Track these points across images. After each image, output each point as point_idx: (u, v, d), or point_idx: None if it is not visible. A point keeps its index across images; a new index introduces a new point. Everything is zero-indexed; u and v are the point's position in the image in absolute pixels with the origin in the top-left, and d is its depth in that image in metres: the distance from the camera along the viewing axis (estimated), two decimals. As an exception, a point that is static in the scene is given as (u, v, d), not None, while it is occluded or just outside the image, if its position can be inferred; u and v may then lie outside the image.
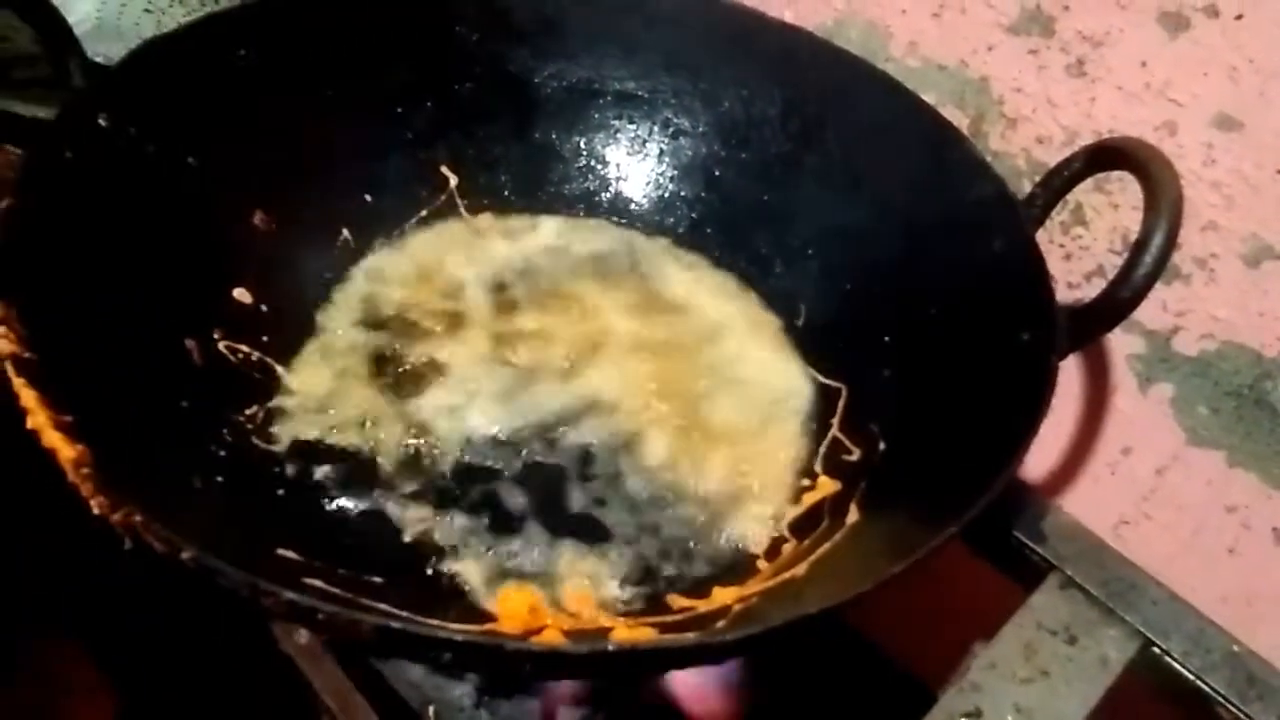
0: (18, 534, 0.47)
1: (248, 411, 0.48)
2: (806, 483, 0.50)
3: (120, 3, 0.63)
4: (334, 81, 0.56)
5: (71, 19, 0.52)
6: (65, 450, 0.33)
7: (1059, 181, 0.48)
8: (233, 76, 0.52)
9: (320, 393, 0.51)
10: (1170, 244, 0.40)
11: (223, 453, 0.45)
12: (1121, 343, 0.56)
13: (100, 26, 0.63)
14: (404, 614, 0.39)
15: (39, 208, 0.41)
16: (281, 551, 0.41)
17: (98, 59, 0.59)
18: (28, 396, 0.34)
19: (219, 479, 0.43)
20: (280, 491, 0.46)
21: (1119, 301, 0.42)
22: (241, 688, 0.51)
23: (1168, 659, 0.49)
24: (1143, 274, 0.41)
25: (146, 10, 0.64)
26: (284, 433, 0.49)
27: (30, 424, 0.33)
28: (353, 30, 0.56)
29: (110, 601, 0.49)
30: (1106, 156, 0.46)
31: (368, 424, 0.50)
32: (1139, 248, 0.41)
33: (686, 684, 0.53)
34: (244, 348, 0.50)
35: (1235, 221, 0.50)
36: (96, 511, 0.32)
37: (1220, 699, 0.48)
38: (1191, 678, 0.48)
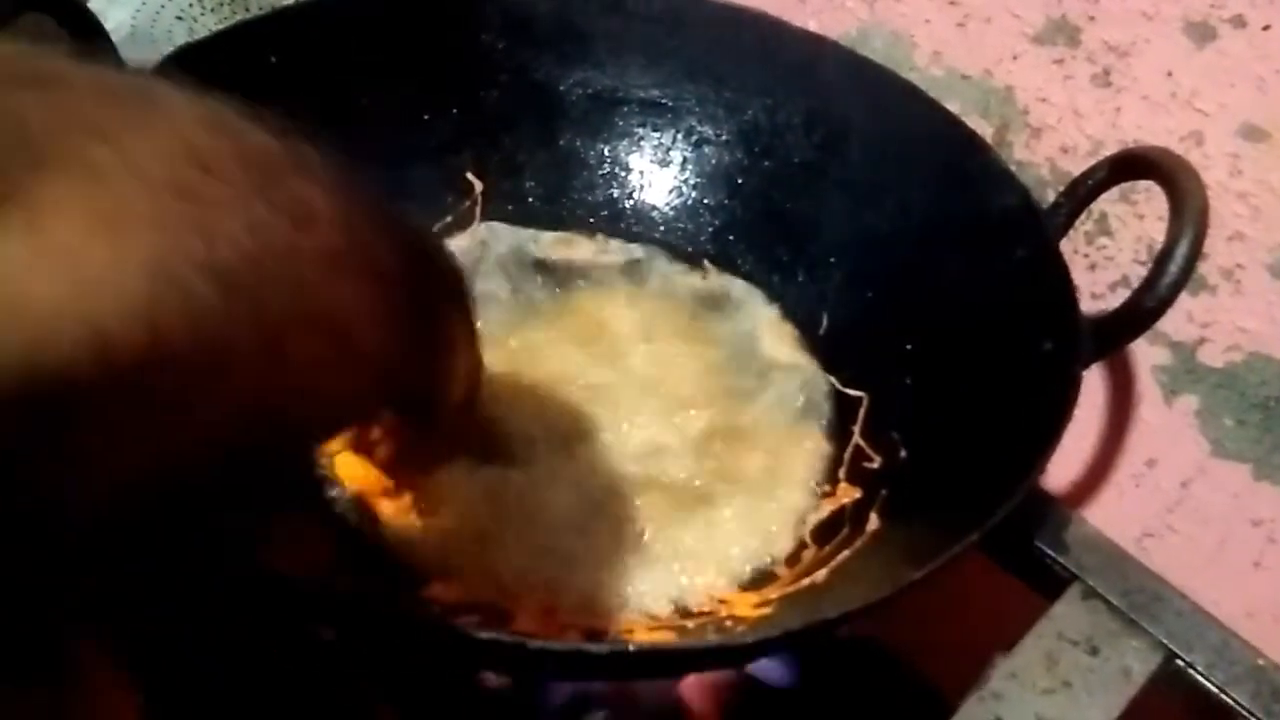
0: (43, 535, 0.48)
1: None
2: (827, 489, 0.51)
3: (154, 11, 0.64)
4: (361, 89, 0.57)
5: (107, 26, 0.53)
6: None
7: (1084, 191, 0.48)
8: (262, 83, 0.52)
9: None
10: (1195, 254, 0.40)
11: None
12: (1146, 354, 0.56)
13: (134, 33, 0.64)
14: (426, 613, 0.39)
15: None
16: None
17: (132, 65, 0.60)
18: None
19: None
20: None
21: (1143, 311, 0.42)
22: (264, 687, 0.52)
23: (1191, 672, 0.48)
24: (1168, 284, 0.41)
25: (179, 18, 0.65)
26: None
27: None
28: (380, 38, 0.57)
29: (137, 605, 0.50)
30: (1132, 166, 0.46)
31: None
32: (1164, 257, 0.41)
33: (704, 689, 0.53)
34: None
35: (1262, 232, 0.49)
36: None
37: (1244, 713, 0.47)
38: (1215, 691, 0.48)
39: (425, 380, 0.29)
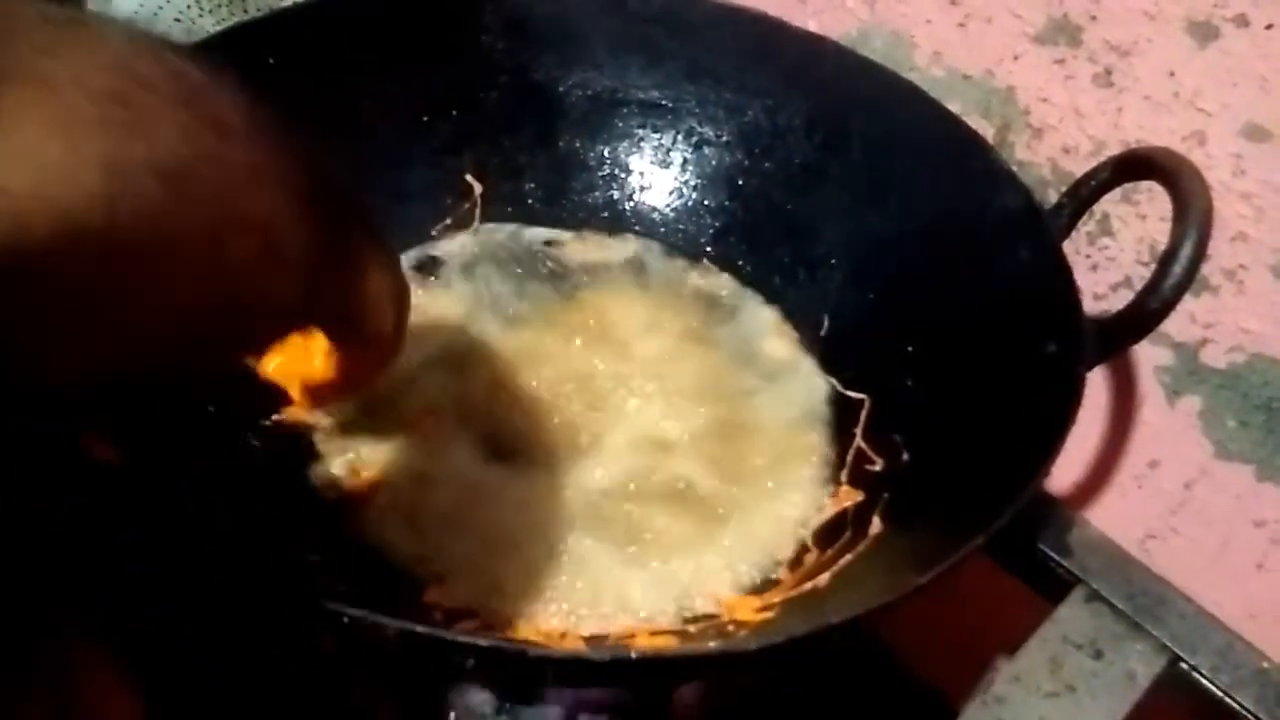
0: (42, 532, 0.48)
1: (275, 417, 0.49)
2: (829, 492, 0.50)
3: (152, 12, 0.64)
4: (360, 90, 0.56)
5: (105, 28, 0.53)
6: (101, 454, 0.33)
7: (1086, 191, 0.48)
8: (261, 85, 0.52)
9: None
10: (1200, 254, 0.40)
11: (247, 453, 0.45)
12: (1149, 355, 0.55)
13: (132, 36, 0.64)
14: (427, 621, 0.39)
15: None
16: (307, 555, 0.41)
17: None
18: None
19: (245, 484, 0.43)
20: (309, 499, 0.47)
21: (1147, 312, 0.41)
22: (266, 689, 0.51)
23: (1195, 675, 0.48)
24: (1171, 285, 0.40)
25: (177, 20, 0.65)
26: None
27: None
28: (378, 39, 0.57)
29: (137, 605, 0.49)
30: (1135, 166, 0.46)
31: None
32: (1168, 258, 0.40)
33: (705, 693, 0.53)
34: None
35: (1265, 233, 0.49)
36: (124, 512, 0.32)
37: (1249, 716, 0.47)
38: (1219, 694, 0.48)
39: (343, 292, 0.33)
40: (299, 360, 0.40)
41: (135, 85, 0.22)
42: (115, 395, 0.27)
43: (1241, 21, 0.46)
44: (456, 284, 0.58)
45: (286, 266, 0.27)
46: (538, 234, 0.61)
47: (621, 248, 0.62)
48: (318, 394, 0.41)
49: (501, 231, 0.61)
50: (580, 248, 0.61)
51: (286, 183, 0.27)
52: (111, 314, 0.22)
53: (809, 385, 0.55)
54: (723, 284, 0.60)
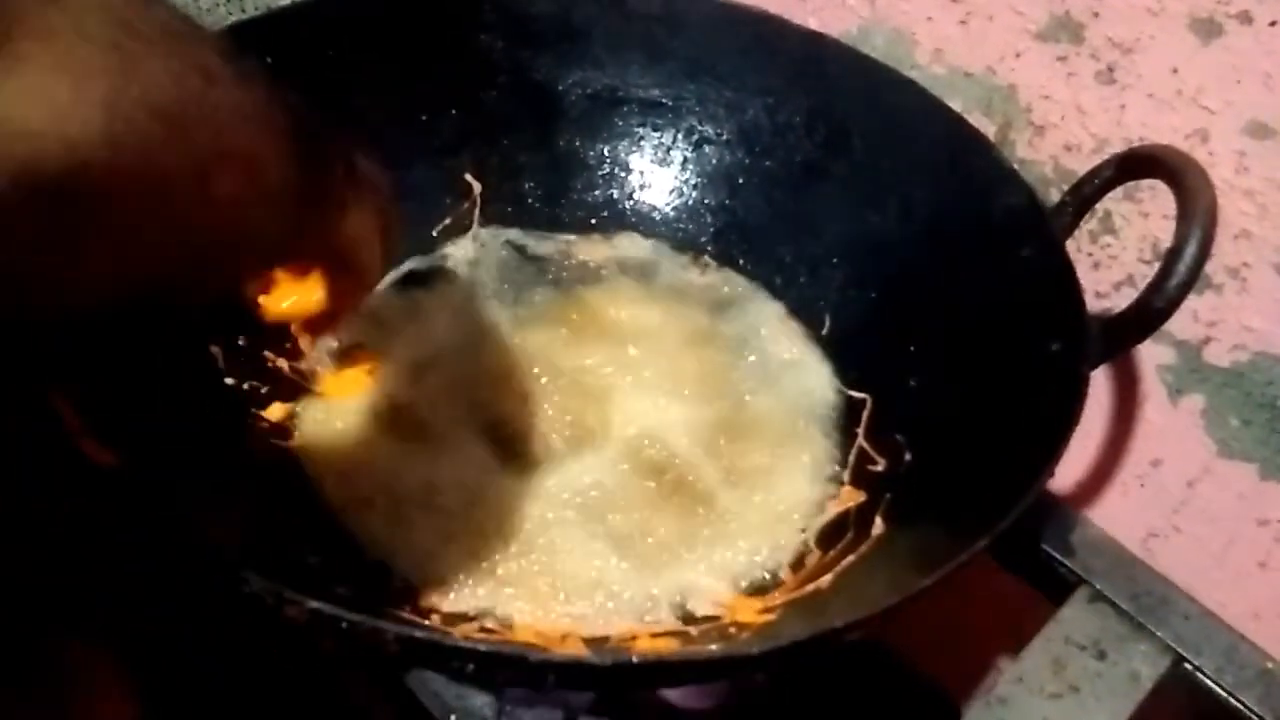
0: (41, 535, 0.47)
1: (271, 416, 0.48)
2: (831, 493, 0.50)
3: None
4: (359, 90, 0.56)
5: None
6: (97, 455, 0.33)
7: (1089, 189, 0.48)
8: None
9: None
10: (1204, 252, 0.40)
11: (248, 457, 0.45)
12: (1152, 353, 0.55)
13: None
14: (427, 624, 0.39)
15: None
16: (307, 559, 0.41)
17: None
18: (60, 402, 0.34)
19: (244, 483, 0.43)
20: (305, 496, 0.46)
21: (1152, 311, 0.41)
22: (264, 693, 0.51)
23: (1199, 675, 0.48)
24: (1176, 283, 0.40)
25: (174, 19, 0.65)
26: (308, 438, 0.49)
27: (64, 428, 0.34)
28: (377, 38, 0.57)
29: (136, 605, 0.49)
30: (1138, 164, 0.46)
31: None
32: (1172, 256, 0.40)
33: (707, 695, 0.53)
34: (268, 353, 0.51)
35: (1268, 230, 0.49)
36: (123, 515, 0.32)
37: (1253, 716, 0.47)
38: (1224, 695, 0.48)
39: (329, 226, 0.35)
40: (293, 290, 0.41)
41: (129, 35, 0.24)
42: (114, 321, 0.31)
43: (1245, 18, 0.46)
44: (460, 282, 0.58)
45: (271, 199, 0.30)
46: (540, 232, 0.61)
47: (623, 246, 0.61)
48: (311, 323, 0.42)
49: (504, 230, 0.61)
50: (581, 246, 0.61)
51: (269, 122, 0.29)
52: (111, 237, 0.25)
53: (811, 385, 0.55)
54: (724, 282, 0.60)
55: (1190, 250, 0.40)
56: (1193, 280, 0.40)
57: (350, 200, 0.35)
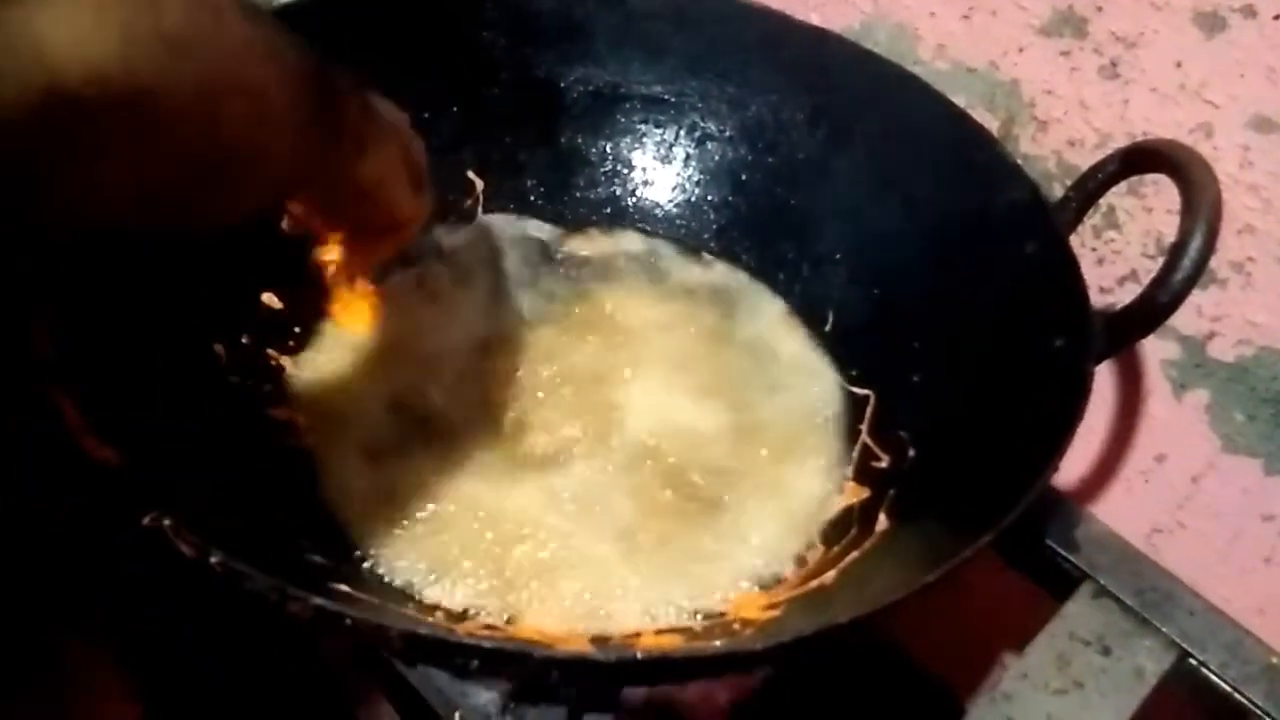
0: (44, 536, 0.47)
1: (276, 414, 0.48)
2: (835, 489, 0.50)
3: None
4: (361, 87, 0.56)
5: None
6: (98, 452, 0.33)
7: (1093, 184, 0.48)
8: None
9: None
10: (1209, 247, 0.40)
11: (252, 455, 0.45)
12: (1155, 348, 0.55)
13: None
14: (430, 621, 0.39)
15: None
16: (310, 557, 0.41)
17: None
18: (62, 399, 0.34)
19: (247, 481, 0.43)
20: (308, 494, 0.46)
21: (1156, 306, 0.41)
22: (268, 692, 0.51)
23: (1204, 670, 0.48)
24: (1181, 278, 0.40)
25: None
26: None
27: (65, 426, 0.34)
28: (379, 36, 0.56)
29: (136, 605, 0.49)
30: (1143, 158, 0.46)
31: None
32: (1177, 251, 0.40)
33: (710, 687, 0.53)
34: (272, 351, 0.51)
35: (1273, 225, 0.49)
36: (126, 514, 0.32)
37: (1258, 712, 0.47)
38: (1229, 690, 0.47)
39: (346, 161, 0.38)
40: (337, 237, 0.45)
41: None
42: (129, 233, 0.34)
43: (1249, 12, 0.46)
44: (474, 278, 0.58)
45: (278, 129, 0.32)
46: (548, 230, 0.61)
47: (625, 243, 0.61)
48: (349, 265, 0.46)
49: (512, 227, 0.61)
50: (589, 244, 0.61)
51: (277, 59, 0.31)
52: (125, 151, 0.27)
53: (815, 381, 0.55)
54: (727, 279, 0.60)
55: (1195, 244, 0.40)
56: (1198, 275, 0.40)
57: (370, 140, 0.38)
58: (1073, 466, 0.61)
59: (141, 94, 0.26)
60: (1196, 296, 0.51)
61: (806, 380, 0.55)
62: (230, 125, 0.30)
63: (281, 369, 0.51)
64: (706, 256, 0.61)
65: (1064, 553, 0.52)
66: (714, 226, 0.62)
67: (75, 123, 0.25)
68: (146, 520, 0.32)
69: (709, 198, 0.62)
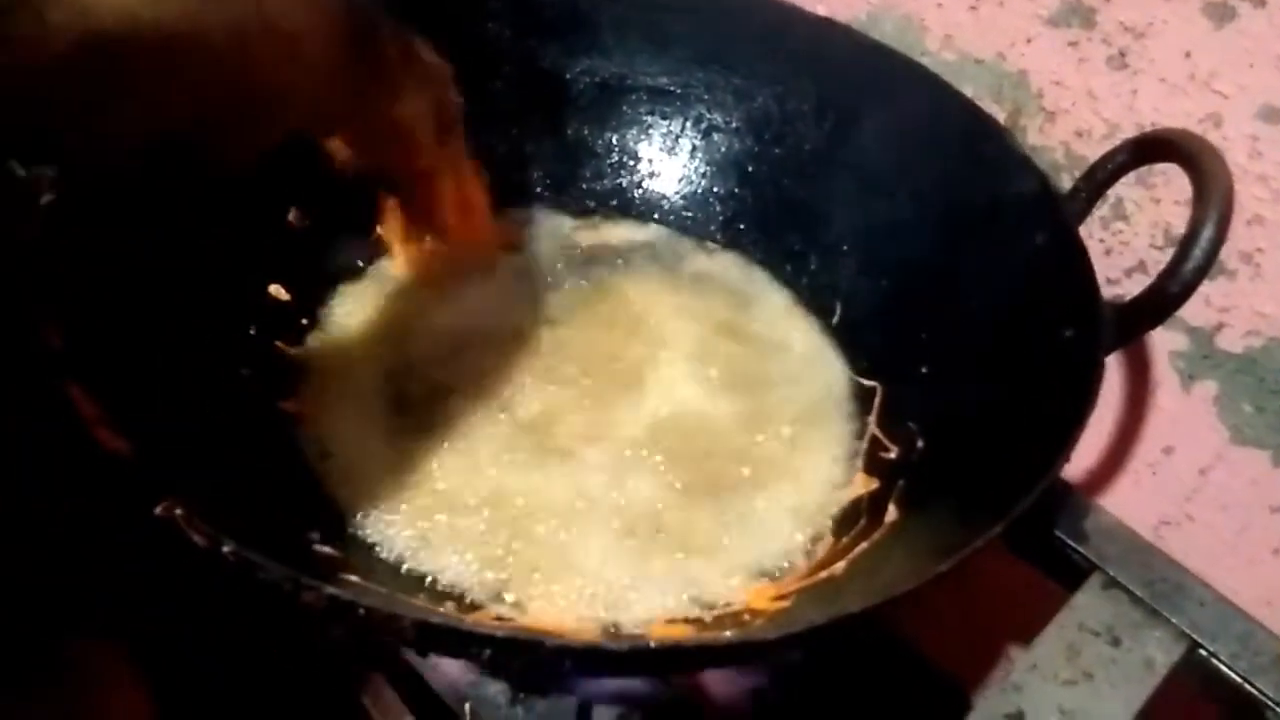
0: (55, 531, 0.47)
1: (286, 406, 0.48)
2: (845, 480, 0.50)
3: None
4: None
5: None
6: (111, 443, 0.33)
7: (1103, 174, 0.48)
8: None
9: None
10: (1220, 238, 0.40)
11: (262, 447, 0.45)
12: (1164, 339, 0.55)
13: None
14: (442, 611, 0.39)
15: (80, 210, 0.42)
16: (320, 548, 0.41)
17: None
18: (74, 391, 0.34)
19: (258, 472, 0.43)
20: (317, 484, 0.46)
21: (1166, 296, 0.41)
22: (279, 686, 0.51)
23: (1215, 661, 0.48)
24: (1191, 268, 0.40)
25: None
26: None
27: (77, 419, 0.34)
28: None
29: (148, 600, 0.49)
30: (1153, 148, 0.45)
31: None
32: (1188, 241, 0.40)
33: (718, 681, 0.53)
34: (280, 343, 0.51)
35: (1282, 215, 0.49)
36: (139, 504, 0.32)
37: (1269, 702, 0.47)
38: (1239, 680, 0.47)
39: (383, 105, 0.39)
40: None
41: None
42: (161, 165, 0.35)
43: (1258, 2, 0.46)
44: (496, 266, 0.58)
45: (312, 69, 0.34)
46: (559, 219, 0.61)
47: (632, 234, 0.61)
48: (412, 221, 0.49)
49: (527, 219, 0.61)
50: (600, 234, 0.61)
51: (312, 3, 0.33)
52: (159, 84, 0.29)
53: (824, 373, 0.55)
54: (735, 270, 0.60)
55: (1206, 234, 0.39)
56: (1208, 265, 0.40)
57: (409, 84, 0.40)
58: (1081, 458, 0.61)
59: (167, 31, 0.28)
60: (1205, 287, 0.51)
61: (815, 371, 0.55)
62: (259, 64, 0.31)
63: (289, 360, 0.51)
64: (713, 247, 0.61)
65: (1073, 544, 0.51)
66: (721, 218, 0.62)
67: (109, 59, 0.27)
68: (159, 510, 0.32)
69: (715, 189, 0.62)
